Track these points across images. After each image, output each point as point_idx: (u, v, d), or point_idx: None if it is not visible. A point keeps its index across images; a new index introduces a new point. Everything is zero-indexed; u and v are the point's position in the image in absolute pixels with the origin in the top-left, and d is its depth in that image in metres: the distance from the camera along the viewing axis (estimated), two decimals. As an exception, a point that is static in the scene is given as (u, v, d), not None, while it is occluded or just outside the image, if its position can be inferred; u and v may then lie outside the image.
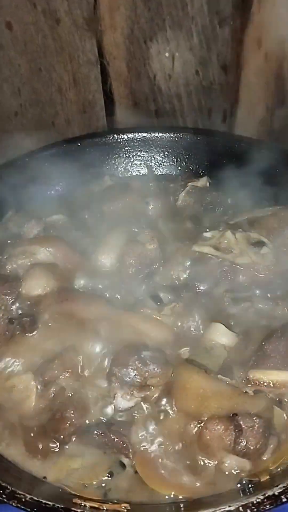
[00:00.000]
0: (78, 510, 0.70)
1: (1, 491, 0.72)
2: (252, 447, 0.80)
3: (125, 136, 1.40)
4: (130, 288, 1.08)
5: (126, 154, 1.42)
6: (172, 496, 0.80)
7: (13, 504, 0.71)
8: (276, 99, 1.69)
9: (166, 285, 1.08)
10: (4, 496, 0.71)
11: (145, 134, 1.40)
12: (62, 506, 0.70)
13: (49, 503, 0.71)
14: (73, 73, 1.54)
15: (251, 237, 1.11)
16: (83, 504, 0.73)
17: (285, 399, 0.88)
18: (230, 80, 1.59)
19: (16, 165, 1.30)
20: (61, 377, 0.91)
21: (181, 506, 0.76)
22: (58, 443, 0.86)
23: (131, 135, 1.40)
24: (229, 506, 0.70)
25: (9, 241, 1.17)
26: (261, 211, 1.19)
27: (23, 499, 0.71)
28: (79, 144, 1.36)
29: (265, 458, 0.83)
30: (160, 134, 1.40)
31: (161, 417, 0.87)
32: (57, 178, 1.35)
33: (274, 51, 1.56)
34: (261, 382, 0.88)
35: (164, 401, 0.88)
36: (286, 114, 1.72)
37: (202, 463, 0.83)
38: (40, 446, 0.86)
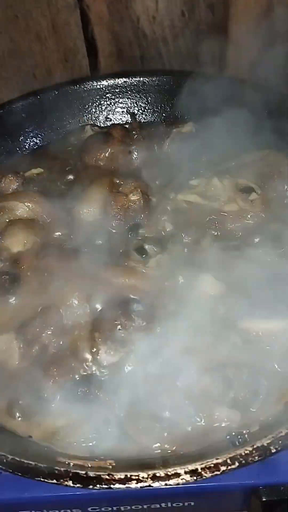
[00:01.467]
0: (62, 469, 0.69)
1: (-20, 451, 0.70)
2: (241, 398, 0.79)
3: (105, 82, 1.35)
4: (114, 241, 1.06)
5: (107, 101, 1.37)
6: (159, 450, 0.79)
7: (-6, 464, 0.69)
8: (267, 39, 1.61)
9: (151, 237, 1.06)
10: (-16, 457, 0.70)
11: (126, 79, 1.35)
12: (45, 465, 0.69)
13: (31, 463, 0.69)
14: (52, 19, 1.48)
15: (239, 183, 1.09)
16: (67, 462, 0.71)
17: (275, 348, 0.86)
18: (217, 20, 1.53)
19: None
20: (43, 334, 0.90)
21: (169, 460, 0.74)
22: (42, 402, 0.84)
23: (111, 81, 1.35)
24: (217, 459, 0.69)
25: (-15, 199, 1.13)
26: (249, 156, 1.16)
27: (4, 460, 0.70)
28: (56, 93, 1.31)
29: (254, 409, 0.81)
30: (142, 79, 1.35)
31: (147, 371, 0.85)
32: (35, 130, 1.32)
33: (263, -13, 1.49)
34: (250, 332, 0.87)
35: (150, 355, 0.86)
36: (277, 55, 1.65)
37: (191, 416, 0.82)
38: (24, 405, 0.84)
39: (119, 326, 0.87)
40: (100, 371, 0.87)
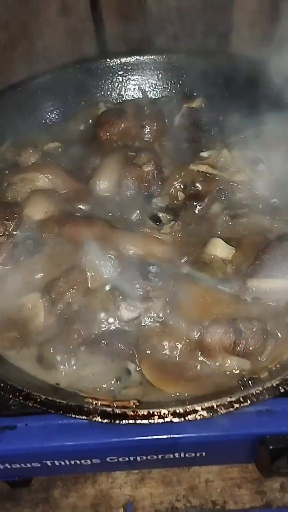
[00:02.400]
0: (91, 406, 0.76)
1: (18, 394, 0.77)
2: (251, 348, 0.86)
3: (118, 61, 1.40)
4: (129, 210, 1.12)
5: (119, 79, 1.42)
6: (178, 394, 0.86)
7: (30, 404, 0.76)
8: (270, 20, 1.65)
9: (164, 205, 1.12)
10: (20, 397, 0.77)
11: (138, 57, 1.40)
12: (75, 403, 0.76)
13: (63, 401, 0.76)
14: (61, 1, 1.51)
15: (248, 154, 1.14)
16: (94, 402, 0.78)
17: (282, 304, 0.92)
18: (223, 2, 1.56)
19: (8, 95, 1.31)
20: (67, 293, 0.96)
21: (186, 401, 0.81)
22: (68, 353, 0.91)
23: (123, 59, 1.40)
24: (230, 397, 0.76)
25: (7, 171, 1.19)
26: (258, 129, 1.20)
27: (39, 399, 0.77)
28: (71, 71, 1.36)
29: (264, 359, 0.87)
30: (153, 57, 1.40)
31: (164, 325, 0.91)
32: (51, 107, 1.37)
33: None
34: (259, 290, 0.93)
35: (166, 311, 0.92)
36: (281, 35, 1.68)
37: (205, 364, 0.89)
38: (52, 357, 0.90)
39: (137, 285, 0.93)
40: (120, 325, 0.93)
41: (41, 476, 1.15)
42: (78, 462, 0.96)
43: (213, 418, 0.81)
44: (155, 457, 0.96)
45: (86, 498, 1.15)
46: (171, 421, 0.75)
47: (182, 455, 0.96)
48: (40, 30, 1.56)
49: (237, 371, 0.88)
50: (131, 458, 0.96)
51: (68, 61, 1.64)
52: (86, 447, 0.91)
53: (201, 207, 1.10)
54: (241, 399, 0.76)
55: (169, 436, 0.89)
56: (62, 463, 0.96)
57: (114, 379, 0.90)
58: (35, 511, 1.13)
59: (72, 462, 0.96)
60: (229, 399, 0.76)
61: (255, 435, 0.91)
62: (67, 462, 0.96)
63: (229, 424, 0.89)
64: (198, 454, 0.96)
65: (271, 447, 0.89)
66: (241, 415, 0.89)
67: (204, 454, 0.96)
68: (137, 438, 0.89)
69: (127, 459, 0.96)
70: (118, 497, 1.15)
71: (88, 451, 0.93)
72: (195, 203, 1.10)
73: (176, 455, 0.96)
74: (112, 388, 0.89)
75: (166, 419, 0.75)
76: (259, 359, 0.88)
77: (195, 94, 1.37)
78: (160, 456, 0.96)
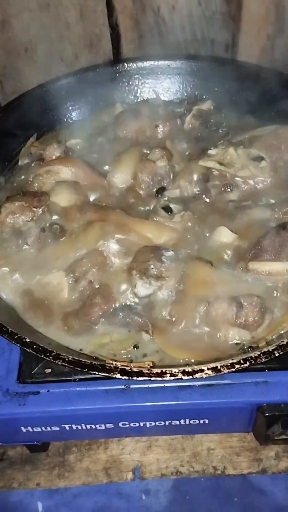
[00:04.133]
0: (111, 366, 0.87)
1: (48, 354, 0.89)
2: (251, 320, 0.97)
3: (134, 65, 1.48)
4: (143, 201, 1.22)
5: (135, 82, 1.50)
6: (186, 359, 0.97)
7: (59, 363, 0.88)
8: (276, 28, 1.71)
9: (175, 197, 1.21)
10: (51, 357, 0.88)
11: (152, 62, 1.48)
12: (98, 363, 0.87)
13: (87, 361, 0.88)
14: (80, 7, 1.58)
15: (251, 153, 1.23)
16: (114, 363, 0.89)
17: (279, 285, 1.04)
18: (231, 10, 1.62)
19: (34, 94, 1.40)
20: (89, 272, 1.07)
21: (193, 364, 0.93)
22: (89, 324, 1.02)
23: (140, 64, 1.48)
24: (232, 359, 0.87)
25: (33, 163, 1.30)
26: (261, 130, 1.30)
27: (67, 359, 0.88)
28: (92, 73, 1.46)
29: (261, 330, 0.99)
30: (167, 62, 1.48)
31: (175, 301, 1.03)
32: (73, 106, 1.46)
33: (274, -21, 1.59)
34: (259, 272, 1.04)
35: (177, 287, 1.03)
36: (285, 43, 1.76)
37: (210, 335, 1.00)
38: (75, 326, 1.02)
39: (152, 266, 1.04)
40: (136, 301, 1.04)
41: (58, 441, 1.25)
42: (93, 426, 1.05)
43: (216, 387, 0.92)
44: (162, 423, 1.05)
45: (98, 462, 1.24)
46: (181, 378, 0.86)
47: (187, 421, 1.05)
48: (59, 34, 1.63)
49: (238, 341, 0.99)
50: (141, 424, 1.05)
51: (84, 64, 1.73)
52: (101, 411, 1.00)
53: (209, 199, 1.20)
54: (241, 361, 0.87)
55: (176, 402, 0.99)
56: (79, 427, 1.05)
57: (132, 347, 1.00)
58: (51, 473, 1.23)
59: (88, 426, 1.05)
60: (231, 361, 0.87)
61: (253, 403, 1.00)
62: (84, 427, 1.05)
63: (230, 393, 0.99)
64: (201, 421, 1.05)
65: (267, 414, 0.98)
66: (241, 385, 1.00)
67: (206, 421, 1.05)
68: (148, 403, 0.99)
69: (137, 424, 1.05)
70: (127, 462, 1.24)
71: (103, 415, 1.02)
72: (203, 196, 1.20)
73: (182, 421, 1.05)
74: (129, 355, 0.99)
75: (176, 377, 0.86)
76: (258, 330, 0.99)
77: (204, 97, 1.46)
78: (167, 423, 1.05)
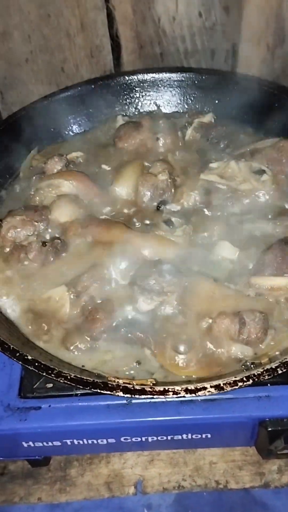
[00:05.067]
0: (114, 383, 0.87)
1: (50, 372, 0.88)
2: (253, 336, 0.96)
3: (135, 78, 1.49)
4: (145, 215, 1.22)
5: (136, 94, 1.51)
6: (188, 376, 0.97)
7: (61, 381, 0.88)
8: (276, 39, 1.72)
9: (177, 211, 1.21)
10: (53, 375, 0.88)
11: (153, 75, 1.48)
12: (100, 380, 0.87)
13: (90, 379, 0.87)
14: (81, 18, 1.59)
15: (253, 166, 1.23)
16: (116, 381, 0.89)
17: (282, 300, 1.04)
18: (232, 21, 1.63)
19: (36, 107, 1.40)
20: (91, 287, 1.06)
21: (195, 381, 0.92)
22: (92, 340, 1.02)
23: (140, 77, 1.48)
24: (235, 377, 0.87)
25: (34, 177, 1.30)
26: (262, 143, 1.30)
27: (69, 377, 0.88)
28: (93, 87, 1.46)
29: (264, 347, 0.98)
30: (168, 75, 1.48)
31: (177, 317, 1.02)
32: (75, 119, 1.46)
33: (274, -10, 1.60)
34: (261, 287, 1.04)
35: (179, 304, 1.03)
36: (286, 53, 1.77)
37: (212, 351, 0.99)
38: (77, 342, 1.01)
39: (153, 281, 1.04)
40: (138, 316, 1.04)
41: (60, 455, 1.24)
42: (95, 441, 1.04)
43: (218, 402, 0.91)
44: (164, 438, 1.05)
45: (100, 476, 1.23)
46: (183, 396, 0.86)
47: (189, 436, 1.04)
48: (60, 45, 1.64)
49: (241, 357, 0.99)
50: (143, 439, 1.04)
51: (85, 75, 1.74)
52: (103, 427, 1.00)
53: (210, 212, 1.20)
54: (244, 378, 0.87)
55: (178, 417, 0.98)
56: (81, 442, 1.04)
57: (135, 363, 1.00)
58: (53, 488, 1.21)
59: (90, 441, 1.04)
60: (234, 378, 0.87)
61: (255, 418, 0.99)
62: (85, 442, 1.04)
63: (232, 407, 0.98)
64: (203, 436, 1.04)
65: (269, 429, 0.98)
66: (243, 400, 0.99)
67: (209, 436, 1.04)
68: (150, 418, 0.98)
69: (139, 439, 1.04)
70: (129, 476, 1.22)
71: (104, 430, 1.02)
72: (205, 209, 1.20)
73: (184, 436, 1.04)
74: (132, 371, 0.99)
75: (179, 395, 0.86)
76: (260, 346, 0.98)
77: (205, 109, 1.47)
78: (169, 437, 1.04)
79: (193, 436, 1.05)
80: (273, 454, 1.07)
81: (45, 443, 1.04)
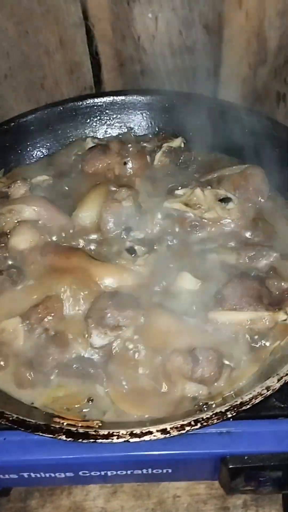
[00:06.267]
0: (57, 426, 0.84)
1: (-8, 412, 0.86)
2: (207, 375, 0.93)
3: (105, 100, 1.47)
4: (108, 242, 1.19)
5: (106, 116, 1.49)
6: (140, 415, 0.94)
7: (2, 422, 0.85)
8: (258, 58, 1.71)
9: (140, 238, 1.18)
10: (-5, 415, 0.85)
11: (123, 98, 1.46)
12: (43, 423, 0.84)
13: (32, 420, 0.84)
14: (60, 35, 1.58)
15: (219, 193, 1.20)
16: (61, 422, 0.86)
17: (240, 335, 1.00)
18: (212, 40, 1.62)
19: (2, 129, 1.38)
20: (45, 320, 1.04)
21: (146, 422, 0.89)
22: (43, 375, 0.99)
23: (110, 99, 1.47)
24: (183, 421, 0.84)
25: (-4, 201, 1.28)
26: (230, 169, 1.28)
27: (11, 418, 0.85)
28: (62, 108, 1.43)
29: (221, 384, 0.96)
30: (138, 97, 1.47)
31: (131, 353, 0.99)
32: (42, 141, 1.44)
33: (255, 10, 1.58)
34: (219, 322, 1.01)
35: (134, 339, 1.00)
36: (268, 73, 1.75)
37: (165, 389, 0.96)
38: (28, 378, 0.98)
39: (108, 315, 1.01)
40: (92, 351, 1.01)
41: (19, 486, 1.22)
42: (52, 475, 1.02)
43: (178, 437, 0.88)
44: (124, 472, 1.02)
45: (60, 509, 1.22)
46: (127, 440, 0.83)
47: (150, 471, 1.02)
48: (39, 61, 1.63)
49: (196, 396, 0.96)
50: (102, 473, 1.02)
51: (65, 92, 1.73)
52: (59, 462, 0.97)
53: (173, 241, 1.17)
54: (192, 423, 0.84)
55: (137, 453, 0.95)
56: (38, 475, 1.02)
57: (86, 400, 0.97)
58: None
59: (47, 475, 1.02)
60: (181, 422, 0.84)
61: (216, 455, 0.97)
62: (43, 475, 1.02)
63: (192, 443, 0.95)
64: (164, 471, 1.02)
65: (230, 466, 0.95)
66: (204, 436, 0.96)
67: (170, 471, 1.02)
68: (105, 454, 0.95)
69: (98, 473, 1.02)
70: (91, 509, 1.21)
71: (61, 465, 0.99)
72: (168, 237, 1.18)
73: (144, 471, 1.01)
74: (84, 410, 0.96)
75: (123, 439, 0.83)
76: (215, 385, 0.96)
77: (175, 134, 1.44)
78: (129, 472, 1.02)
79: (154, 471, 1.02)
80: (236, 490, 1.04)
81: (1, 476, 1.01)
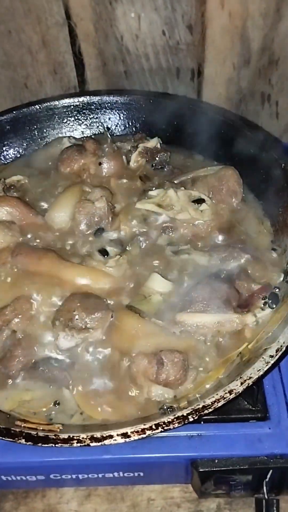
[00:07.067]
0: (17, 430, 0.83)
1: None
2: (172, 378, 0.92)
3: (83, 100, 1.46)
4: (80, 243, 1.18)
5: (83, 116, 1.48)
6: (104, 419, 0.93)
7: None
8: (241, 58, 1.71)
9: (113, 239, 1.18)
10: None
11: (100, 98, 1.46)
12: (3, 427, 0.83)
13: (-8, 424, 0.83)
14: (42, 35, 1.57)
15: (192, 194, 1.19)
16: (22, 426, 0.85)
17: (208, 338, 0.99)
18: (196, 40, 1.62)
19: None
20: (13, 322, 1.02)
21: (108, 426, 0.88)
22: (9, 378, 0.98)
23: (88, 99, 1.46)
24: (144, 425, 0.83)
25: None
26: (205, 170, 1.27)
27: None
28: (39, 107, 1.42)
29: (187, 387, 0.95)
30: (115, 98, 1.46)
31: (98, 355, 0.99)
32: (18, 141, 1.43)
33: (237, 10, 1.57)
34: (187, 324, 1.00)
35: (101, 341, 0.99)
36: (252, 73, 1.74)
37: (131, 392, 0.96)
38: (-6, 381, 0.98)
39: (76, 317, 1.00)
40: (58, 354, 1.00)
41: (-8, 489, 1.22)
42: (24, 478, 1.02)
43: (148, 440, 0.87)
44: (96, 475, 1.02)
45: (34, 511, 1.21)
46: (88, 444, 0.82)
47: (121, 474, 1.01)
48: (22, 61, 1.63)
49: (160, 399, 0.95)
50: (73, 476, 1.02)
51: (49, 91, 1.72)
52: (28, 465, 0.97)
53: (146, 242, 1.16)
54: (153, 427, 0.83)
55: (106, 456, 0.95)
56: (9, 478, 1.02)
57: (52, 403, 0.96)
58: None
59: (19, 478, 1.02)
60: (142, 426, 0.83)
61: (187, 458, 0.96)
62: (14, 478, 1.02)
63: (162, 446, 0.95)
64: (136, 474, 1.02)
65: (200, 470, 0.95)
66: (174, 438, 0.96)
67: (141, 474, 1.02)
68: (76, 458, 0.95)
69: (69, 476, 1.02)
70: (64, 512, 1.21)
71: (31, 468, 0.99)
72: (141, 238, 1.17)
73: (115, 474, 1.01)
74: (52, 413, 0.95)
75: (84, 443, 0.82)
76: (180, 388, 0.95)
77: (151, 134, 1.43)
78: (100, 475, 1.02)
79: (125, 475, 1.02)
80: (207, 494, 1.03)
81: (-28, 478, 0.99)
